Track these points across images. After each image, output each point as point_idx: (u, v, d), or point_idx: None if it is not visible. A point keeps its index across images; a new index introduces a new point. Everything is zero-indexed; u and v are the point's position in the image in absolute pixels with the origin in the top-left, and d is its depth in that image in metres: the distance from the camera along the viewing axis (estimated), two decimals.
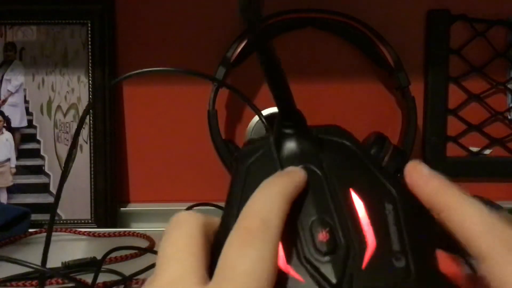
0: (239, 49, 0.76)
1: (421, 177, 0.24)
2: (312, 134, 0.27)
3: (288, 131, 0.27)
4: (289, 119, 0.27)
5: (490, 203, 0.59)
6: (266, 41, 0.24)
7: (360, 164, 0.26)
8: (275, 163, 0.26)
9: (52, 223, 0.40)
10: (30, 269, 0.54)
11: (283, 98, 0.27)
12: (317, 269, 0.22)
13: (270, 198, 0.23)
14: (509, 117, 0.85)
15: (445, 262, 0.23)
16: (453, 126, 0.85)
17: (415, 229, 0.24)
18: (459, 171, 0.85)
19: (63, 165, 0.80)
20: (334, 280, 0.22)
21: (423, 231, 0.24)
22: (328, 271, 0.22)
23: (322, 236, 0.23)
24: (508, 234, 0.21)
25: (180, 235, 0.23)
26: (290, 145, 0.27)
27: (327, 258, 0.22)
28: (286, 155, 0.26)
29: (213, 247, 0.24)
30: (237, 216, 0.24)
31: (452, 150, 0.85)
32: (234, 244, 0.21)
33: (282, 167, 0.26)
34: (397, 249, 0.23)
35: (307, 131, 0.27)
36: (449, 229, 0.22)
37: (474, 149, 0.86)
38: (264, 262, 0.21)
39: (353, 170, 0.26)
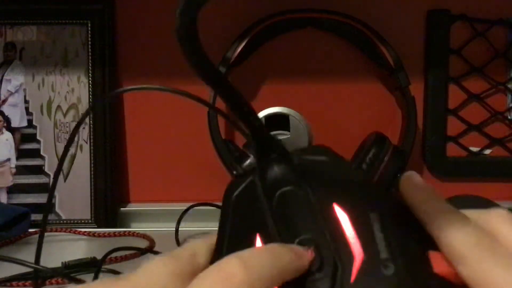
0: (239, 49, 0.76)
1: (413, 186, 0.25)
2: (293, 157, 0.27)
3: (269, 156, 0.27)
4: (267, 146, 0.27)
5: (488, 202, 0.59)
6: (220, 77, 0.24)
7: (341, 178, 0.26)
8: (259, 192, 0.26)
9: (46, 215, 0.40)
10: (30, 269, 0.54)
11: (255, 127, 0.26)
12: None
13: (269, 263, 0.21)
14: (509, 117, 0.85)
15: (440, 263, 0.23)
16: (453, 126, 0.85)
17: (403, 234, 0.24)
18: (459, 171, 0.85)
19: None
20: None
21: (412, 235, 0.24)
22: None
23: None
24: (481, 237, 0.22)
25: (167, 256, 0.23)
26: (273, 171, 0.26)
27: (314, 276, 0.22)
28: (270, 182, 0.26)
29: None
30: (226, 244, 0.25)
31: (452, 150, 0.85)
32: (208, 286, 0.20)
33: (267, 195, 0.26)
34: (385, 257, 0.22)
35: (287, 155, 0.27)
36: (431, 235, 0.23)
37: (474, 149, 0.86)
38: None
39: (335, 185, 0.26)
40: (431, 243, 0.23)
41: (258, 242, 0.25)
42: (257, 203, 0.26)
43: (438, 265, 0.23)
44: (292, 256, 0.22)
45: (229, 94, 0.25)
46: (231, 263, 0.20)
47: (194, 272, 0.23)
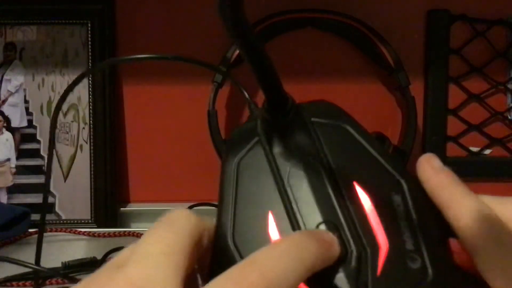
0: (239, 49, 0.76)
1: (431, 169, 0.24)
2: (306, 120, 0.24)
3: (278, 118, 0.24)
4: (279, 105, 0.24)
5: None
6: (242, 21, 0.21)
7: (362, 152, 0.24)
8: (267, 158, 0.23)
9: (44, 215, 0.40)
10: (30, 269, 0.54)
11: (267, 80, 0.22)
12: (329, 282, 0.20)
13: (290, 266, 0.19)
14: (509, 117, 0.85)
15: (459, 252, 0.22)
16: (453, 126, 0.85)
17: (426, 221, 0.22)
18: (459, 171, 0.84)
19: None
20: None
21: (434, 222, 0.22)
22: (341, 282, 0.20)
23: None
24: (498, 231, 0.21)
25: (167, 236, 0.21)
26: (283, 136, 0.24)
27: (337, 267, 0.21)
28: (280, 149, 0.24)
29: (213, 251, 0.23)
30: (232, 222, 0.22)
31: (452, 150, 0.85)
32: None
33: (276, 164, 0.23)
34: (410, 248, 0.21)
35: (299, 117, 0.24)
36: (449, 223, 0.23)
37: (474, 149, 0.85)
38: None
39: (355, 159, 0.23)
40: (450, 229, 0.22)
41: (272, 222, 0.22)
42: (265, 172, 0.23)
43: (458, 255, 0.22)
44: (319, 249, 0.20)
45: (252, 43, 0.21)
46: (249, 275, 0.18)
47: (195, 245, 0.21)
